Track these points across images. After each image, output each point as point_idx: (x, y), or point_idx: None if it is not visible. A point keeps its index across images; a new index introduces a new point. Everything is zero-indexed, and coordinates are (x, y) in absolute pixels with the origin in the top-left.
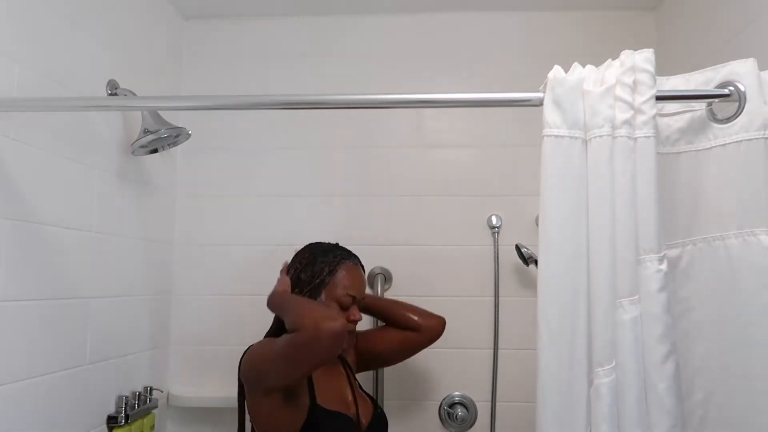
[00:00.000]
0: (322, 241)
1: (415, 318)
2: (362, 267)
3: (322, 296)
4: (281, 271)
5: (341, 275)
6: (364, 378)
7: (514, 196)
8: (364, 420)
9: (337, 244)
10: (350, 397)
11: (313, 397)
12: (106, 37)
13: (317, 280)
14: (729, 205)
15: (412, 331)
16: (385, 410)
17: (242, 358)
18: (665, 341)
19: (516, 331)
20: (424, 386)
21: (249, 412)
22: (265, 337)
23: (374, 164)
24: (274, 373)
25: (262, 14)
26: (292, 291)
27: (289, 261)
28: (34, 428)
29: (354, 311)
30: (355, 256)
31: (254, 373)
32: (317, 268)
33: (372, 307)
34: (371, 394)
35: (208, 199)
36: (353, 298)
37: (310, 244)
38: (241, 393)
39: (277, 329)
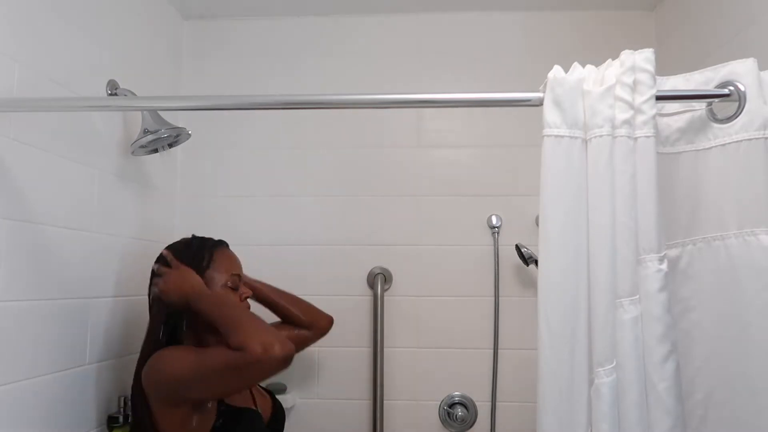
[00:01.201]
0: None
1: (303, 318)
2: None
3: (213, 286)
4: (170, 263)
5: (220, 259)
6: (362, 377)
7: (514, 196)
8: (264, 414)
9: (193, 236)
10: (249, 394)
11: (220, 401)
12: (106, 37)
13: (203, 271)
14: (729, 205)
15: (302, 328)
16: (385, 410)
17: (144, 368)
18: (666, 341)
19: (516, 331)
20: (424, 386)
21: (154, 424)
22: (149, 337)
23: (374, 164)
24: (203, 388)
25: (262, 14)
26: None
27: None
28: (34, 428)
29: (244, 289)
30: (219, 240)
31: (170, 385)
32: (196, 261)
33: (263, 298)
34: (371, 393)
35: (208, 199)
36: (238, 276)
37: (171, 246)
38: (138, 404)
39: (171, 332)
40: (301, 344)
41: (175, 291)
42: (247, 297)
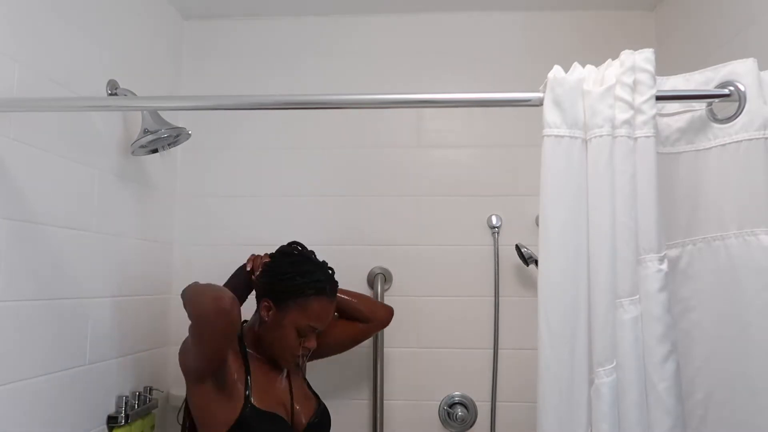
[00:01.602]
0: (309, 256)
1: (365, 311)
2: (336, 296)
3: (286, 317)
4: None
5: (314, 307)
6: (362, 377)
7: (514, 196)
8: (304, 419)
9: (323, 265)
10: (288, 399)
11: (248, 396)
12: (106, 37)
13: (288, 302)
14: (729, 205)
15: (362, 322)
16: (386, 410)
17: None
18: (666, 341)
19: (516, 331)
20: (424, 386)
21: (189, 405)
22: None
23: (374, 164)
24: (192, 354)
25: (262, 14)
26: (263, 295)
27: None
28: (34, 428)
29: (311, 340)
30: (335, 287)
31: (182, 359)
32: (293, 288)
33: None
34: (371, 393)
35: (208, 199)
36: (314, 329)
37: (299, 256)
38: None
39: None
40: (360, 338)
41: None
42: (309, 347)
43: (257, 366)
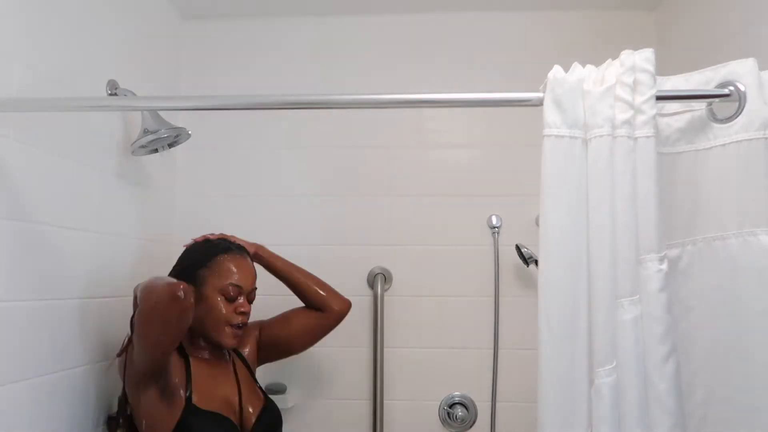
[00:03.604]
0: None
1: (321, 295)
2: (251, 260)
3: (204, 289)
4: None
5: (226, 264)
6: (362, 377)
7: (514, 196)
8: (253, 417)
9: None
10: (236, 398)
11: (189, 396)
12: (105, 37)
13: (197, 271)
14: (729, 205)
15: (317, 310)
16: (385, 410)
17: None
18: (666, 341)
19: (516, 331)
20: (424, 386)
21: (133, 416)
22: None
23: (374, 164)
24: (137, 354)
25: (262, 14)
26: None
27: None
28: (34, 428)
29: (243, 303)
30: (236, 245)
31: (124, 367)
32: (195, 257)
33: (274, 267)
34: (371, 393)
35: (208, 199)
36: (240, 288)
37: (194, 242)
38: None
39: None
40: (315, 329)
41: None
42: (243, 312)
43: (199, 365)
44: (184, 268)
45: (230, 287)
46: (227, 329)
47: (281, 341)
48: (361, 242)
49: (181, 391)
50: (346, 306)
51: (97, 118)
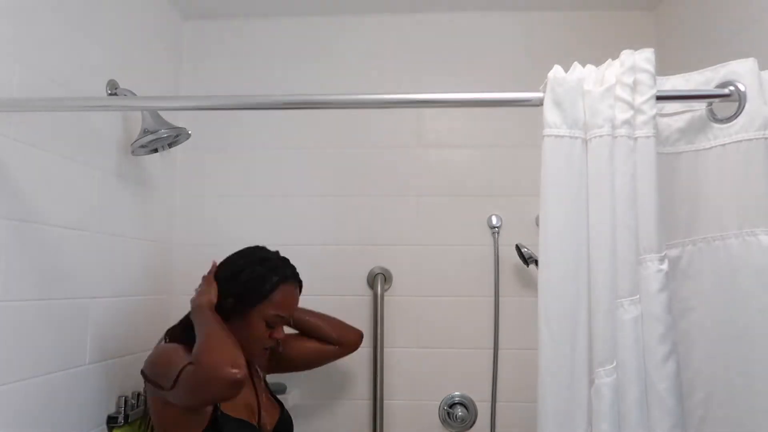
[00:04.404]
0: (262, 247)
1: (334, 335)
2: (300, 285)
3: (252, 311)
4: (209, 273)
5: (278, 296)
6: (362, 377)
7: (514, 196)
8: (269, 425)
9: (277, 254)
10: (255, 405)
11: (216, 404)
12: (106, 37)
13: (252, 294)
14: (729, 205)
15: (331, 344)
16: (385, 410)
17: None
18: (666, 341)
19: (516, 331)
20: (424, 386)
21: (150, 412)
22: (170, 330)
23: (374, 164)
24: (172, 396)
25: (262, 14)
26: (223, 296)
27: (218, 262)
28: (34, 428)
29: (279, 330)
30: (296, 275)
31: (157, 378)
32: (254, 280)
33: (294, 321)
34: (371, 393)
35: (208, 199)
36: (283, 319)
37: (251, 249)
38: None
39: (183, 329)
40: (325, 358)
41: (194, 299)
42: (278, 338)
43: None
44: (241, 285)
45: (276, 318)
46: (260, 350)
47: (291, 359)
48: (361, 242)
49: None
50: (359, 338)
51: (97, 118)
